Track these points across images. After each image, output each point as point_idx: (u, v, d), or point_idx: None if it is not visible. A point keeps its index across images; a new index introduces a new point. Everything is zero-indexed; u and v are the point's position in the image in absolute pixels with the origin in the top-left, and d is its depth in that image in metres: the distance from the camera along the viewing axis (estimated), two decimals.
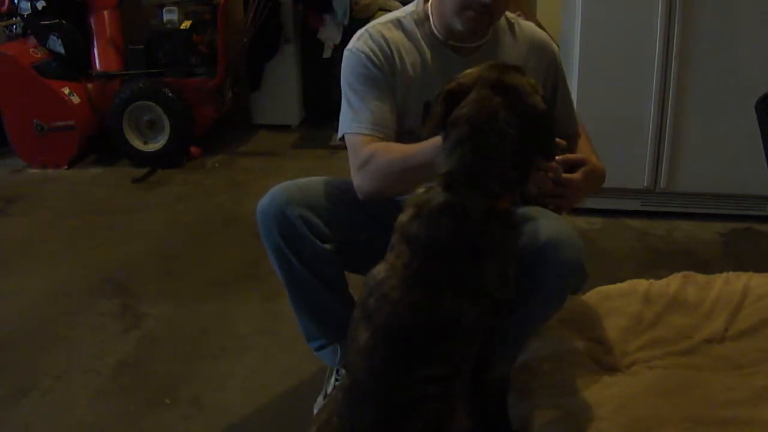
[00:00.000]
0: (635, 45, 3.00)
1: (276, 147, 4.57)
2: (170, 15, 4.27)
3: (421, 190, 1.39)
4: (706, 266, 2.34)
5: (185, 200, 3.67)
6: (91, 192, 3.86)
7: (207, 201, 3.65)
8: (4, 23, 4.45)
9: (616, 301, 2.01)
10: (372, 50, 1.69)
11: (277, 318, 2.41)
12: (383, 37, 1.71)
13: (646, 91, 3.03)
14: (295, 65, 4.81)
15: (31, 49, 4.19)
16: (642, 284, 2.08)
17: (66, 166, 4.19)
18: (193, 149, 4.29)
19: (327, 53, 4.68)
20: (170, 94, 4.11)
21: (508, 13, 1.78)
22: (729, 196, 3.16)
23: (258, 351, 2.27)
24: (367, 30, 1.74)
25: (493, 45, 1.75)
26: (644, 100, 3.04)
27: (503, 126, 1.34)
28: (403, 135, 1.71)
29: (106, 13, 4.37)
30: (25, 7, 4.19)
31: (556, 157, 1.51)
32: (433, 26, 1.73)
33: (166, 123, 4.14)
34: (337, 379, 1.89)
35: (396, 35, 1.73)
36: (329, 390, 1.90)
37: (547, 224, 1.55)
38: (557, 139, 1.47)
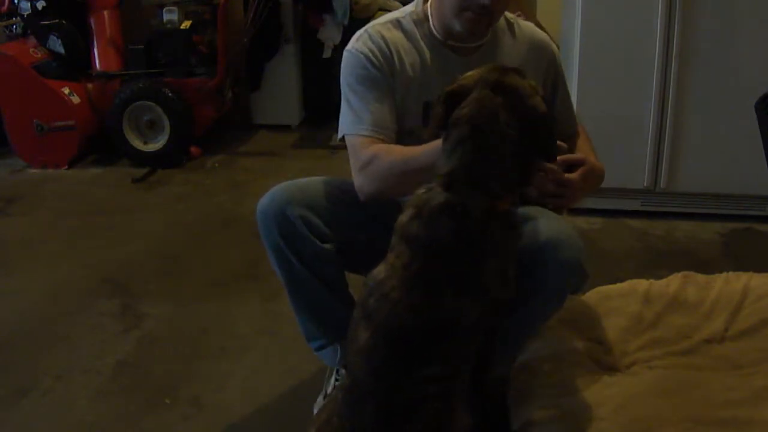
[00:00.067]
0: (635, 45, 3.00)
1: (276, 147, 4.57)
2: (170, 15, 4.27)
3: (421, 190, 1.39)
4: (706, 266, 2.34)
5: (185, 200, 3.67)
6: (91, 192, 3.86)
7: (207, 201, 3.65)
8: (4, 23, 4.45)
9: (616, 301, 2.01)
10: (371, 51, 1.69)
11: (277, 318, 2.41)
12: (382, 37, 1.71)
13: (646, 91, 3.03)
14: (295, 65, 4.81)
15: (31, 49, 4.19)
16: (642, 284, 2.08)
17: (66, 166, 4.19)
18: (193, 149, 4.29)
19: (327, 53, 4.68)
20: (170, 94, 4.11)
21: (508, 14, 1.78)
22: (729, 196, 3.16)
23: (258, 351, 2.27)
24: (366, 30, 1.74)
25: (492, 45, 1.75)
26: (644, 100, 3.04)
27: (503, 127, 1.34)
28: (403, 135, 1.71)
29: (106, 13, 4.37)
30: (25, 7, 4.19)
31: (557, 158, 1.51)
32: (432, 26, 1.73)
33: (166, 123, 4.14)
34: (337, 379, 1.89)
35: (395, 35, 1.73)
36: (329, 390, 1.90)
37: (547, 224, 1.55)
38: (558, 142, 1.47)
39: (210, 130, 4.52)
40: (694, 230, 3.10)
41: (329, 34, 4.66)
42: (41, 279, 2.82)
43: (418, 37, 1.73)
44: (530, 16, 3.32)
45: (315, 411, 1.83)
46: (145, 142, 4.21)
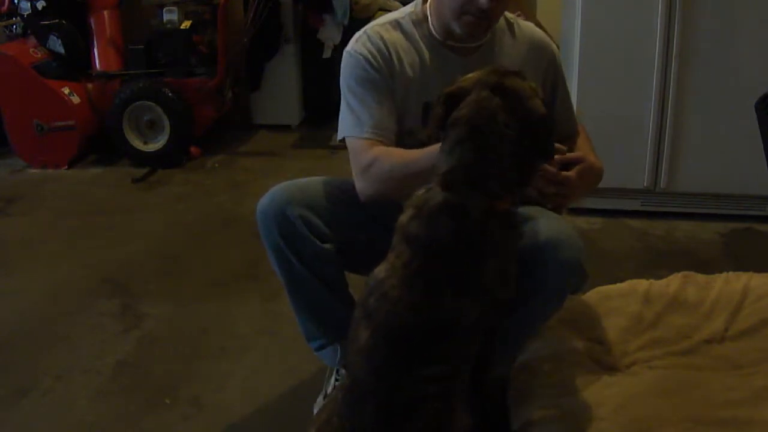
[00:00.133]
0: (635, 45, 3.00)
1: (276, 147, 4.57)
2: (170, 15, 4.27)
3: (421, 190, 1.40)
4: (706, 266, 2.34)
5: (185, 200, 3.67)
6: (91, 192, 3.86)
7: (207, 201, 3.65)
8: (4, 23, 4.45)
9: (616, 301, 2.01)
10: (370, 52, 1.69)
11: (277, 318, 2.41)
12: (381, 38, 1.71)
13: (646, 91, 3.03)
14: (295, 65, 4.81)
15: (31, 49, 4.19)
16: (642, 284, 2.08)
17: (66, 166, 4.19)
18: (193, 149, 4.29)
19: (327, 53, 4.68)
20: (170, 94, 4.11)
21: (507, 13, 1.77)
22: (729, 196, 3.16)
23: (258, 351, 2.27)
24: (365, 32, 1.74)
25: (491, 45, 1.75)
26: (644, 100, 3.04)
27: (502, 127, 1.34)
28: (403, 135, 1.71)
29: (106, 13, 4.37)
30: (25, 7, 4.19)
31: (555, 156, 1.50)
32: (431, 27, 1.73)
33: (166, 123, 4.14)
34: (337, 379, 1.89)
35: (394, 36, 1.72)
36: (329, 390, 1.90)
37: (547, 224, 1.55)
38: (557, 144, 1.47)
39: (210, 130, 4.52)
40: (694, 230, 3.10)
41: (329, 34, 4.66)
42: (41, 279, 2.82)
43: (418, 37, 1.73)
44: (530, 16, 3.32)
45: (315, 411, 1.83)
46: (145, 142, 4.21)
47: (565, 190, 1.56)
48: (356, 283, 1.67)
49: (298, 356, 2.15)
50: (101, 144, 4.31)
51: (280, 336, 2.32)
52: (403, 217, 1.39)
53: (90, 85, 4.25)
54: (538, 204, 1.64)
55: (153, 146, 4.19)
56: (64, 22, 4.15)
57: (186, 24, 4.26)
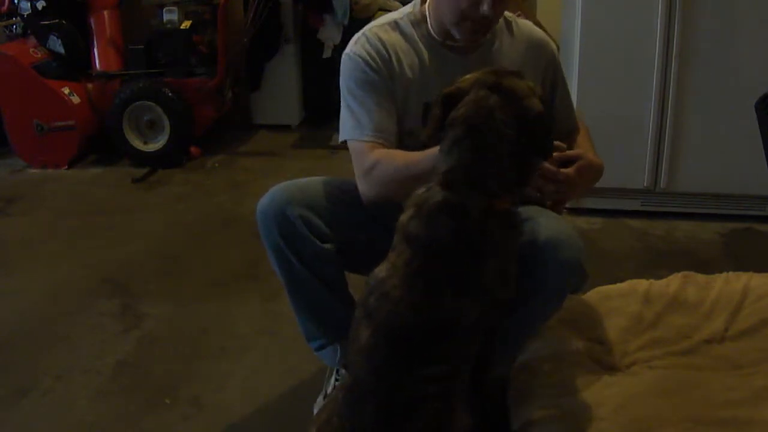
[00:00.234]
0: (635, 45, 3.00)
1: (276, 147, 4.57)
2: (170, 15, 4.27)
3: (421, 190, 1.40)
4: (706, 266, 2.34)
5: (185, 200, 3.67)
6: (91, 192, 3.86)
7: (207, 201, 3.65)
8: (4, 23, 4.45)
9: (616, 301, 2.01)
10: (369, 54, 1.69)
11: (277, 318, 2.41)
12: (380, 40, 1.71)
13: (646, 91, 3.03)
14: (295, 65, 4.81)
15: (31, 49, 4.19)
16: (642, 284, 2.08)
17: (66, 166, 4.19)
18: (193, 149, 4.29)
19: (327, 53, 4.68)
20: (170, 94, 4.11)
21: (506, 12, 1.77)
22: (729, 196, 3.16)
23: (258, 351, 2.27)
24: (364, 33, 1.74)
25: (490, 44, 1.75)
26: (644, 100, 3.04)
27: (500, 126, 1.35)
28: (404, 136, 1.71)
29: (106, 13, 4.37)
30: (25, 7, 4.19)
31: (554, 154, 1.50)
32: (430, 27, 1.73)
33: (166, 123, 4.14)
34: (337, 379, 1.89)
35: (393, 37, 1.72)
36: (329, 390, 1.90)
37: (547, 224, 1.55)
38: (556, 142, 1.47)
39: (210, 130, 4.52)
40: (694, 230, 3.10)
41: (329, 34, 4.66)
42: (41, 279, 2.81)
43: (416, 38, 1.73)
44: (530, 16, 3.32)
45: (315, 411, 1.83)
46: (145, 142, 4.21)
47: (564, 187, 1.56)
48: (356, 283, 1.67)
49: (298, 356, 2.15)
50: (101, 144, 4.31)
51: (280, 336, 2.32)
52: (404, 217, 1.40)
53: (90, 85, 4.25)
54: (538, 203, 1.64)
55: (153, 146, 4.19)
56: (64, 22, 4.15)
57: (186, 24, 4.26)
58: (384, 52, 1.70)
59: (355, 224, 1.72)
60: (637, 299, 2.01)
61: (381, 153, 1.64)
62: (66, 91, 4.11)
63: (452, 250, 1.34)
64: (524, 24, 1.82)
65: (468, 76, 1.44)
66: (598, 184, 1.70)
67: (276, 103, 4.85)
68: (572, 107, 1.89)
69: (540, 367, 1.76)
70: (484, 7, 1.58)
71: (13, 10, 4.34)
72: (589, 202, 3.20)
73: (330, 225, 1.69)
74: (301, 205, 1.66)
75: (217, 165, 4.23)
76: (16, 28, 4.42)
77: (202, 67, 4.29)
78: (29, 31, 4.27)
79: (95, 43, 4.32)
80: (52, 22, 4.12)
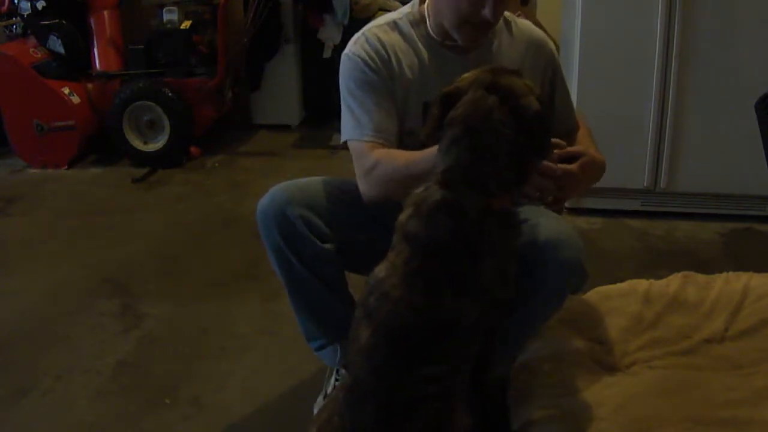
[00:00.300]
0: (635, 45, 3.00)
1: (276, 147, 4.57)
2: (170, 15, 4.27)
3: (419, 189, 1.40)
4: (706, 266, 2.34)
5: (185, 200, 3.67)
6: (91, 192, 3.86)
7: (207, 201, 3.65)
8: (4, 23, 4.45)
9: (616, 301, 2.01)
10: (368, 54, 1.69)
11: (277, 318, 2.41)
12: (379, 40, 1.71)
13: (646, 91, 3.03)
14: (295, 65, 4.81)
15: (31, 49, 4.19)
16: (642, 284, 2.08)
17: (66, 166, 4.19)
18: (193, 149, 4.29)
19: (327, 53, 4.68)
20: (170, 94, 4.11)
21: (506, 12, 1.77)
22: (729, 196, 3.16)
23: (258, 351, 2.27)
24: (363, 34, 1.74)
25: (490, 44, 1.74)
26: (644, 100, 3.04)
27: (498, 125, 1.35)
28: (404, 136, 1.71)
29: (106, 13, 4.37)
30: (25, 7, 4.19)
31: (554, 151, 1.50)
32: (429, 27, 1.73)
33: (166, 123, 4.14)
34: (337, 379, 1.89)
35: (392, 38, 1.72)
36: (329, 390, 1.90)
37: (547, 224, 1.55)
38: (556, 140, 1.47)
39: (210, 130, 4.52)
40: (694, 230, 3.10)
41: (329, 34, 4.66)
42: (41, 279, 2.82)
43: (416, 38, 1.73)
44: (530, 16, 3.32)
45: (315, 411, 1.83)
46: (145, 142, 4.21)
47: (565, 182, 1.55)
48: (356, 283, 1.67)
49: (298, 356, 2.15)
50: (101, 144, 4.31)
51: (280, 336, 2.32)
52: (402, 216, 1.40)
53: (90, 85, 4.25)
54: (538, 200, 1.63)
55: (153, 146, 4.19)
56: (64, 22, 4.15)
57: (186, 24, 4.26)
58: (383, 52, 1.70)
59: (355, 224, 1.72)
60: (637, 299, 2.00)
61: (381, 153, 1.64)
62: (66, 91, 4.11)
63: (450, 249, 1.34)
64: (523, 24, 1.82)
65: (466, 75, 1.44)
66: (598, 184, 1.70)
67: (276, 103, 4.85)
68: (572, 107, 1.89)
69: (540, 367, 1.76)
70: (486, 12, 1.58)
71: (13, 10, 4.34)
72: (589, 202, 3.20)
73: (330, 225, 1.69)
74: (301, 205, 1.66)
75: (217, 165, 4.23)
76: (16, 28, 4.42)
77: (202, 67, 4.29)
78: (29, 31, 4.27)
79: (95, 43, 4.32)
80: (52, 22, 4.13)
